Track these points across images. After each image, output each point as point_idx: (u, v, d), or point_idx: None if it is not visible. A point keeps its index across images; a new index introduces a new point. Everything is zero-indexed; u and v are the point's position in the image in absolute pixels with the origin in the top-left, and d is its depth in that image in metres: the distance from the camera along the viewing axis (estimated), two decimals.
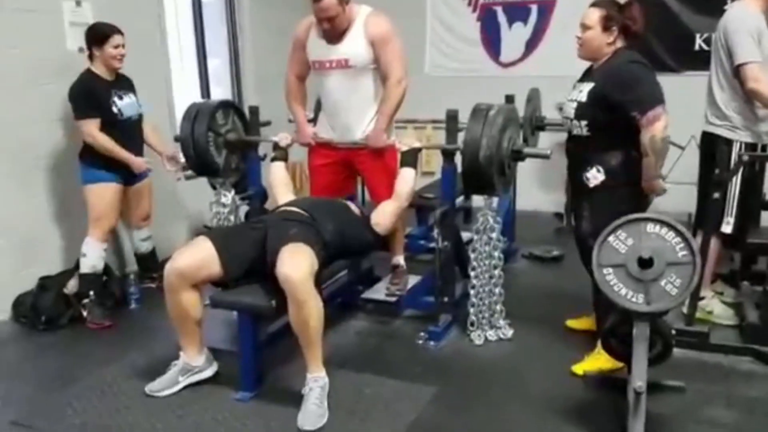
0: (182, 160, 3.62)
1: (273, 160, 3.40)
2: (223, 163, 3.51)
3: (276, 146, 3.42)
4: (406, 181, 3.16)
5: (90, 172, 3.57)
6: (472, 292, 3.20)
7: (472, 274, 3.19)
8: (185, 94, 4.81)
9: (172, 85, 4.60)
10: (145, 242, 4.01)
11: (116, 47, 3.49)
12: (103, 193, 3.57)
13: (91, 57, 3.54)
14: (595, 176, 2.64)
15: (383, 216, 3.10)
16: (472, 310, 3.21)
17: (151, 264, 4.06)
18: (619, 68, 2.65)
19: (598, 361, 2.81)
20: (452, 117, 3.22)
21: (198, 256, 2.68)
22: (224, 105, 3.55)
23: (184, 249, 2.77)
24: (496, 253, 3.18)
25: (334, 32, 3.16)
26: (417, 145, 3.23)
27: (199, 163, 3.45)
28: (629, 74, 2.61)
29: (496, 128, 2.82)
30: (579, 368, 2.86)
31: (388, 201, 3.17)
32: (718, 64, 3.18)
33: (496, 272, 3.20)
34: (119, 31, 3.51)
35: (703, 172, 3.35)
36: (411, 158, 3.20)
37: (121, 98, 3.58)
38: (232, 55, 5.44)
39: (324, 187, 3.46)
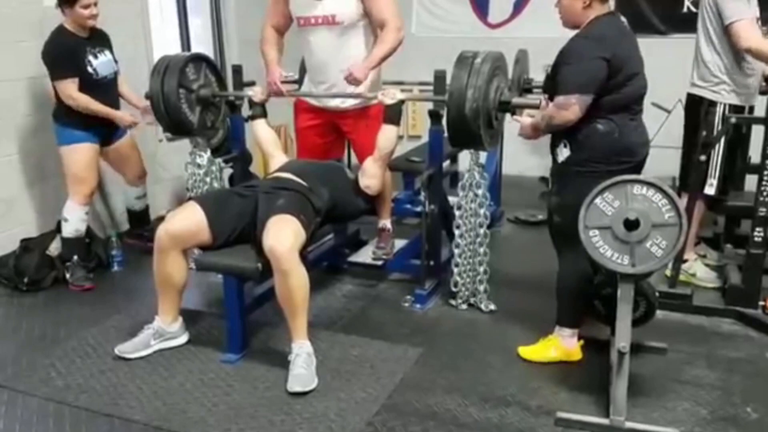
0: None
1: (251, 118, 3.28)
2: (197, 121, 3.37)
3: (251, 103, 3.29)
4: (388, 137, 3.05)
5: (64, 132, 3.48)
6: (456, 251, 3.13)
7: (456, 232, 3.11)
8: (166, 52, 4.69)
9: (152, 44, 4.48)
10: (139, 200, 3.94)
11: (86, 7, 3.33)
12: (79, 154, 3.49)
13: (64, 12, 3.40)
14: (562, 151, 2.56)
15: (371, 178, 3.07)
16: (456, 269, 3.15)
17: (144, 222, 4.03)
18: (569, 42, 2.51)
19: (546, 348, 2.73)
20: (440, 78, 3.17)
21: (190, 221, 2.68)
22: (195, 58, 3.41)
23: (177, 213, 2.77)
24: (482, 211, 3.08)
25: None
26: (401, 96, 3.07)
27: (171, 122, 3.30)
28: (568, 51, 2.48)
29: (482, 78, 2.67)
30: (525, 353, 2.75)
31: (370, 160, 3.09)
32: (705, 24, 3.15)
33: (482, 231, 3.11)
34: None
35: (688, 134, 3.35)
36: (395, 113, 3.05)
37: (96, 56, 3.46)
38: (214, 14, 5.30)
39: (310, 149, 3.41)
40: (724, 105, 3.14)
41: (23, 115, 3.69)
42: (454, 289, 3.20)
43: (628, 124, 2.52)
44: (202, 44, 5.24)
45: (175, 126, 3.36)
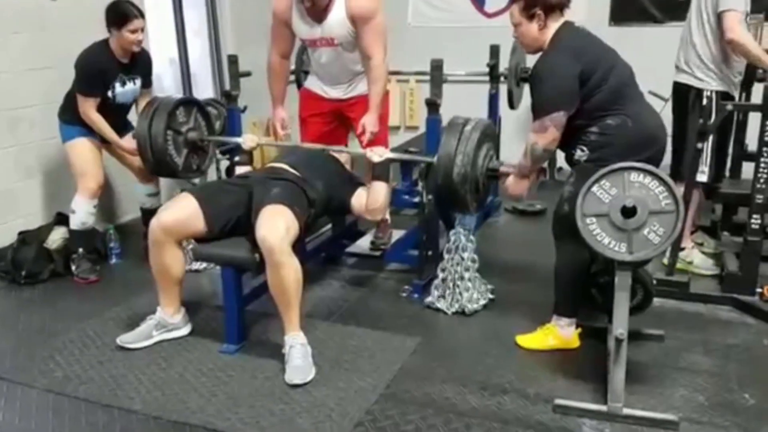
0: None
1: (237, 164, 3.17)
2: (182, 164, 3.24)
3: (240, 149, 3.16)
4: (378, 196, 2.91)
5: (68, 129, 3.49)
6: (440, 305, 3.06)
7: (435, 293, 3.07)
8: (161, 44, 4.68)
9: (149, 35, 4.44)
10: (151, 198, 3.84)
11: (134, 32, 3.29)
12: (80, 149, 3.48)
13: (110, 32, 3.35)
14: (581, 156, 2.56)
15: (360, 207, 2.99)
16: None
17: None
18: (539, 60, 2.54)
19: (544, 336, 2.73)
20: (437, 67, 3.17)
21: (183, 213, 2.67)
22: (186, 102, 3.30)
23: (169, 205, 2.77)
24: (467, 275, 3.03)
25: (315, 9, 3.09)
26: (389, 155, 2.98)
27: (155, 162, 3.16)
28: (539, 69, 2.51)
29: (471, 144, 2.66)
30: (523, 341, 2.76)
31: (364, 198, 2.98)
32: (700, 9, 3.15)
33: (466, 295, 3.04)
34: (140, 14, 3.32)
35: (676, 122, 3.35)
36: (383, 171, 2.94)
37: (123, 84, 3.44)
38: (210, 6, 5.28)
39: (315, 138, 3.44)
40: (712, 92, 3.15)
41: (21, 108, 3.68)
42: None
43: (638, 112, 2.51)
44: (198, 37, 5.23)
45: (159, 167, 3.22)
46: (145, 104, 3.23)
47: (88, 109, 3.37)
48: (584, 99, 2.46)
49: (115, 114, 3.50)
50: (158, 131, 3.09)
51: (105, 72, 3.37)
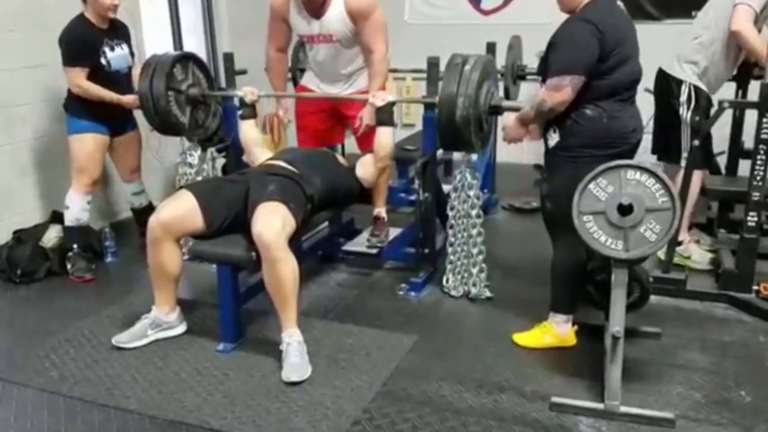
0: None
1: (241, 118, 3.23)
2: (188, 121, 3.31)
3: (242, 103, 3.22)
4: (384, 141, 3.04)
5: (74, 122, 3.48)
6: (449, 249, 3.14)
7: (449, 233, 3.11)
8: (157, 42, 4.66)
9: (143, 31, 4.44)
10: (137, 196, 3.87)
11: None
12: (85, 143, 3.47)
13: (84, 1, 3.36)
14: (551, 136, 2.54)
15: (368, 171, 3.08)
16: (449, 266, 3.16)
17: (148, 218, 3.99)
18: (563, 25, 2.51)
19: (541, 334, 2.73)
20: (433, 65, 3.17)
21: (181, 209, 2.67)
22: (182, 58, 3.36)
23: (168, 201, 2.76)
24: (474, 212, 3.07)
25: (313, 4, 3.08)
26: (391, 99, 3.07)
27: (161, 124, 3.25)
28: (561, 33, 2.48)
29: (472, 85, 2.66)
30: (520, 339, 2.76)
31: (370, 156, 3.12)
32: (725, 5, 3.13)
33: (474, 231, 3.09)
34: None
35: (658, 107, 3.36)
36: (387, 115, 3.04)
37: (112, 49, 3.43)
38: (205, 2, 5.27)
39: (311, 135, 3.44)
40: (690, 85, 3.18)
41: (16, 106, 3.66)
42: (446, 285, 3.19)
43: (618, 110, 2.50)
44: (194, 35, 5.21)
45: (166, 128, 3.32)
46: (143, 65, 3.26)
47: (78, 79, 3.35)
48: (591, 77, 2.43)
49: (116, 85, 3.46)
50: (159, 94, 3.16)
51: (88, 41, 3.35)
